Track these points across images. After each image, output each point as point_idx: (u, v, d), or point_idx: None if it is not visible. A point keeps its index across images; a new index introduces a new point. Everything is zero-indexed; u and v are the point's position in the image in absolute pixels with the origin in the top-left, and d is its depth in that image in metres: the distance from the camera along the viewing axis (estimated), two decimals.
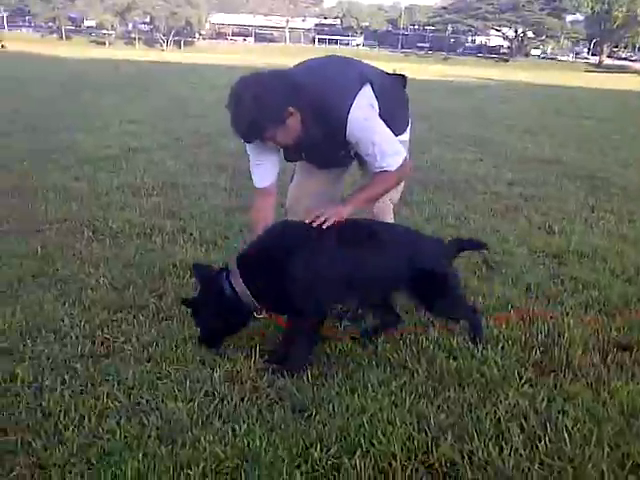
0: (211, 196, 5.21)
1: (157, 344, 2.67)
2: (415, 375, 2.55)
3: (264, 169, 2.89)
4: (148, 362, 2.54)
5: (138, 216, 4.46)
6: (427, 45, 69.96)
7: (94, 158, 6.39)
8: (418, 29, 76.86)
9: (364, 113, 2.62)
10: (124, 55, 28.77)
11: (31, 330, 2.74)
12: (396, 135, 2.79)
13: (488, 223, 4.86)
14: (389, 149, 2.68)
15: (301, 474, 1.92)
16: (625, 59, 73.49)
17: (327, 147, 2.75)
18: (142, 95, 12.87)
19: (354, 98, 2.60)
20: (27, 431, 2.06)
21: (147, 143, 7.38)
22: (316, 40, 75.32)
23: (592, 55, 72.19)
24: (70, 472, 1.88)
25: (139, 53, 33.33)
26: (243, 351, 2.65)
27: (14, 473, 1.86)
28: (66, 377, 2.39)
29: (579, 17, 74.29)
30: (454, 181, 6.35)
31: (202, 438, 2.05)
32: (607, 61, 66.48)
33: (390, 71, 3.04)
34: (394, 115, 2.83)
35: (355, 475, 1.94)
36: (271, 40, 75.25)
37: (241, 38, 73.85)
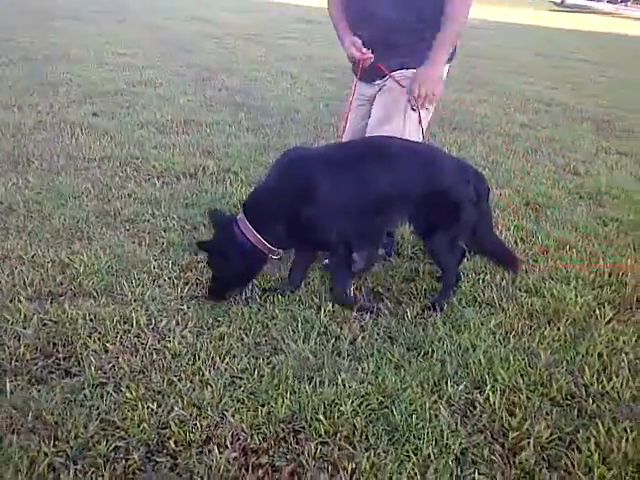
0: (237, 135, 5.13)
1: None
2: (507, 314, 2.65)
3: None
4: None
5: (177, 155, 4.37)
6: None
7: (102, 92, 6.16)
8: None
9: None
10: None
11: (122, 271, 2.72)
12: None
13: (516, 165, 4.94)
14: None
15: (443, 408, 2.02)
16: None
17: None
18: (121, 25, 12.27)
19: None
20: (168, 371, 2.09)
21: (149, 77, 7.12)
22: None
23: None
24: (227, 410, 1.93)
25: None
26: None
27: (174, 413, 1.89)
28: (178, 319, 2.41)
29: None
30: (467, 122, 6.38)
31: (337, 376, 2.12)
32: (571, 0, 66.23)
33: None
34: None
35: (489, 408, 2.05)
36: None
37: None
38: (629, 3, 64.25)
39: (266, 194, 2.58)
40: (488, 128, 6.17)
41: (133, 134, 4.80)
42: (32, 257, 2.77)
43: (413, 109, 2.75)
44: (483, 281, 2.93)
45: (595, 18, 39.35)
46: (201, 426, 1.85)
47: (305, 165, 2.56)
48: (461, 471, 1.78)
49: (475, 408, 2.05)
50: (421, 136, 2.84)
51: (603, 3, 66.29)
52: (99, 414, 1.87)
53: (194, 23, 13.93)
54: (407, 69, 2.77)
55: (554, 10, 53.48)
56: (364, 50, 2.75)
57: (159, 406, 1.92)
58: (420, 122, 2.80)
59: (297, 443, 1.84)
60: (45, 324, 2.29)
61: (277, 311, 2.53)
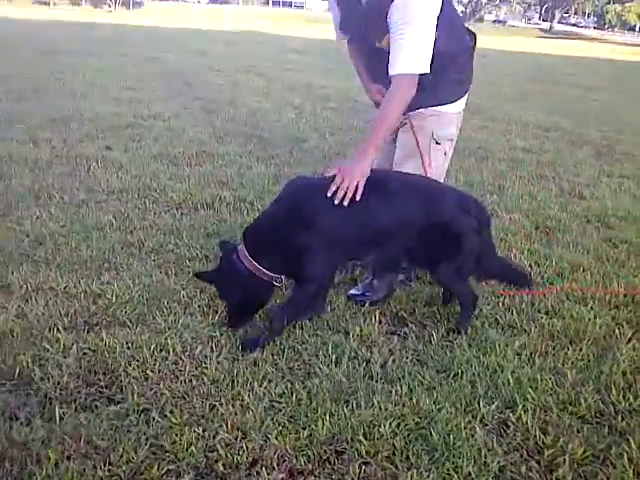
0: (249, 165, 5.23)
1: None
2: (529, 335, 2.72)
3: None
4: None
5: (193, 186, 4.46)
6: None
7: (113, 126, 6.28)
8: None
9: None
10: (74, 17, 27.54)
11: (153, 300, 2.79)
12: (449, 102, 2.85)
13: (523, 190, 5.05)
14: (415, 49, 2.55)
15: (479, 428, 2.08)
16: (574, 25, 74.82)
17: (373, 18, 2.60)
18: (123, 59, 12.48)
19: None
20: (209, 397, 2.15)
21: (157, 110, 7.25)
22: (270, 2, 73.78)
23: (543, 21, 73.17)
24: (270, 433, 1.98)
25: (88, 14, 31.93)
26: (368, 315, 2.78)
27: (220, 437, 1.95)
28: (212, 346, 2.47)
29: None
30: (471, 148, 6.50)
31: (373, 399, 2.18)
32: (557, 27, 67.62)
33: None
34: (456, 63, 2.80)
35: (523, 427, 2.11)
36: (224, 2, 73.27)
37: (193, 0, 71.49)
38: (615, 29, 65.75)
39: (264, 221, 2.64)
40: (491, 154, 6.30)
41: (147, 167, 4.90)
42: (64, 288, 2.84)
43: (438, 143, 2.87)
44: (503, 304, 3.01)
45: (582, 44, 40.20)
46: (247, 449, 1.91)
47: (305, 194, 2.63)
48: None
49: (509, 427, 2.11)
50: (444, 170, 2.98)
51: (590, 29, 68.03)
52: (147, 439, 1.92)
53: (192, 56, 14.19)
54: (425, 108, 2.82)
55: (542, 37, 54.53)
56: None
57: (204, 430, 1.97)
58: (445, 153, 2.92)
59: (341, 464, 1.89)
60: (84, 353, 2.35)
61: (307, 336, 2.59)
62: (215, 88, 9.60)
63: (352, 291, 3.01)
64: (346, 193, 2.46)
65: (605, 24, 66.78)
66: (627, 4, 61.74)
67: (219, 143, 5.96)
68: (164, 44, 16.91)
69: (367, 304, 2.90)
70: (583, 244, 3.90)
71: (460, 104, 2.95)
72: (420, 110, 2.82)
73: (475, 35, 2.92)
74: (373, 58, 2.83)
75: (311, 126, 7.06)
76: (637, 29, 62.50)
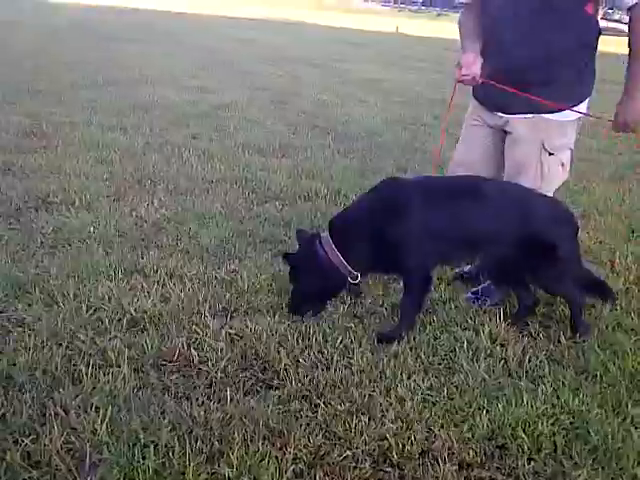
0: (332, 158, 5.28)
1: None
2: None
3: None
4: None
5: (285, 178, 4.53)
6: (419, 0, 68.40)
7: (192, 115, 6.40)
8: None
9: None
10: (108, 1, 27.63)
11: (280, 290, 2.85)
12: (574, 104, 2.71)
13: (609, 191, 5.01)
14: None
15: (633, 430, 2.10)
16: (618, 21, 73.22)
17: None
18: (179, 48, 12.64)
19: None
20: (362, 387, 2.21)
21: (228, 100, 7.35)
22: None
23: None
24: (433, 426, 2.04)
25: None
26: (490, 314, 2.81)
27: (386, 427, 2.01)
28: (351, 336, 2.53)
29: None
30: None
31: (521, 396, 2.22)
32: (602, 23, 66.17)
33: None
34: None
35: None
36: None
37: None
38: None
39: (355, 215, 2.67)
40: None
41: (236, 157, 4.98)
42: (195, 274, 2.92)
43: (551, 154, 2.75)
44: (621, 307, 3.01)
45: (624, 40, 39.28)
46: (415, 439, 1.96)
47: (400, 190, 2.65)
48: None
49: None
50: (559, 180, 2.89)
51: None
52: (316, 424, 1.99)
53: (240, 45, 14.30)
54: (539, 114, 2.70)
55: None
56: (465, 71, 2.61)
57: (370, 419, 2.03)
58: (562, 165, 2.81)
59: (508, 458, 1.94)
60: (232, 339, 2.43)
61: (438, 332, 2.64)
62: (275, 79, 9.67)
63: (468, 294, 3.01)
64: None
65: None
66: None
67: (297, 135, 6.03)
68: (207, 31, 17.03)
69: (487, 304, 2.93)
70: None
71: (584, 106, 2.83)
72: (530, 116, 2.72)
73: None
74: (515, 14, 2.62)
75: (382, 120, 7.08)
76: None
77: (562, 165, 2.82)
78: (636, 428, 2.14)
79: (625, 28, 2.67)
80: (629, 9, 2.56)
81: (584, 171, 5.61)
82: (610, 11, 75.13)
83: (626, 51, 2.65)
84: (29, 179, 4.01)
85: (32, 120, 5.50)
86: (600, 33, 2.72)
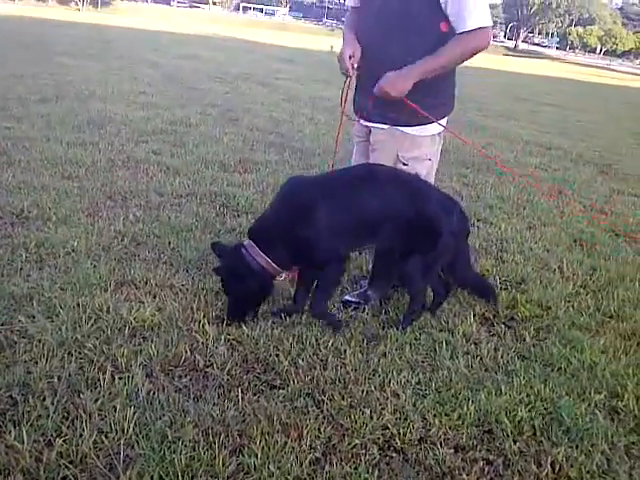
0: (293, 174, 5.44)
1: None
2: (606, 336, 3.05)
3: None
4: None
5: (253, 193, 4.68)
6: None
7: (148, 131, 6.44)
8: (343, 3, 76.89)
9: None
10: (40, 13, 27.09)
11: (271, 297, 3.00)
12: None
13: (551, 204, 5.43)
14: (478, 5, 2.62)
15: (599, 413, 2.38)
16: (538, 44, 77.56)
17: None
18: (122, 62, 12.56)
19: None
20: (358, 383, 2.40)
21: (180, 116, 7.43)
22: (241, 8, 74.01)
23: (508, 39, 75.48)
24: (426, 416, 2.25)
25: (56, 12, 31.47)
26: (460, 316, 3.06)
27: (386, 418, 2.20)
28: (340, 338, 2.72)
29: (497, 1, 77.34)
30: (490, 163, 6.80)
31: (499, 388, 2.47)
32: (522, 45, 69.93)
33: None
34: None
35: (631, 414, 2.42)
36: (192, 6, 73.28)
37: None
38: (577, 50, 68.22)
39: (270, 218, 2.81)
40: (508, 170, 6.68)
41: (200, 172, 5.09)
42: (182, 285, 3.04)
43: (405, 164, 2.92)
44: (574, 308, 3.33)
45: (547, 63, 41.58)
46: (413, 427, 2.17)
47: (303, 191, 2.81)
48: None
49: (619, 413, 2.42)
50: None
51: (552, 49, 70.56)
52: (324, 417, 2.17)
53: (185, 61, 14.35)
54: (394, 126, 2.90)
55: (508, 55, 56.04)
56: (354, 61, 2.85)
57: (371, 412, 2.23)
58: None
59: (495, 441, 2.17)
60: (232, 344, 2.58)
61: (418, 334, 2.86)
62: (223, 95, 9.80)
63: (347, 297, 3.14)
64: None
65: (567, 45, 69.45)
66: (588, 27, 64.27)
67: (254, 151, 6.19)
68: (152, 47, 17.00)
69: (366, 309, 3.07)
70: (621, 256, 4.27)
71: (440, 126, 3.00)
72: (385, 126, 2.92)
73: None
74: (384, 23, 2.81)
75: (333, 137, 7.31)
76: (597, 51, 65.08)
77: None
78: (600, 411, 2.42)
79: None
80: (462, 32, 2.67)
81: (525, 186, 6.04)
82: (530, 35, 78.78)
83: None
84: None
85: None
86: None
